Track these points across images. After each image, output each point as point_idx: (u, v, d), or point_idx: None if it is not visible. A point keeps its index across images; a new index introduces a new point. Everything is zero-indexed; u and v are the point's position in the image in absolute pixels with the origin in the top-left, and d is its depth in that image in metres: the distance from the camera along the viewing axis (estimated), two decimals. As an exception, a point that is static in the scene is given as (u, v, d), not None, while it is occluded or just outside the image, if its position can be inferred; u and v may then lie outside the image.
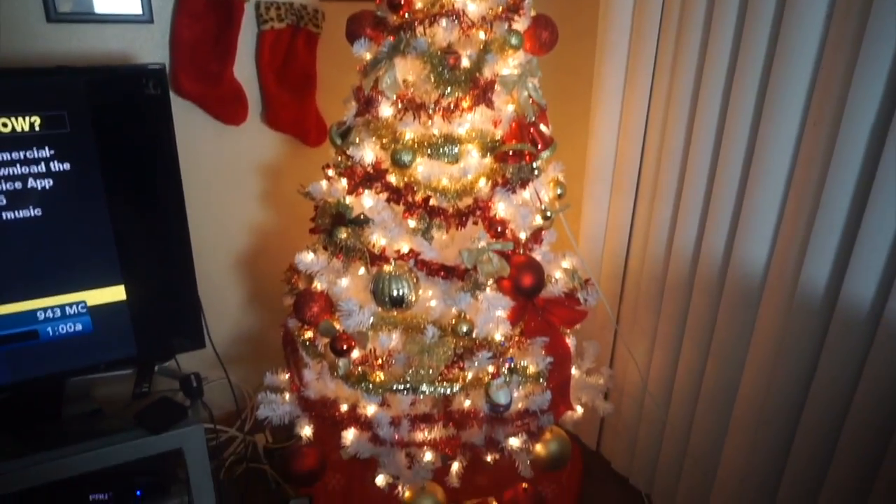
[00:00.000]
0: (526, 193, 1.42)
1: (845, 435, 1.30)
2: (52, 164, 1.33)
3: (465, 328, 1.32)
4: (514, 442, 1.44)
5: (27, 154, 1.31)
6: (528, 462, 1.50)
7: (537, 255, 1.42)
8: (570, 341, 1.55)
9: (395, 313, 1.36)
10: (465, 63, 1.29)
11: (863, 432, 1.27)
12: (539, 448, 1.50)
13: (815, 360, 1.34)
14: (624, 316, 1.84)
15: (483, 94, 1.29)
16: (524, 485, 1.56)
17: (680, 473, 1.74)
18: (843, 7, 1.19)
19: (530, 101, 1.34)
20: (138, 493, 1.52)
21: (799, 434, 1.39)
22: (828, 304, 1.29)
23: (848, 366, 1.27)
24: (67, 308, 1.42)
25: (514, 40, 1.30)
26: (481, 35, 1.30)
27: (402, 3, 1.29)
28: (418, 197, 1.34)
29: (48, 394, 1.52)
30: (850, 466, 1.31)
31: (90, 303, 1.44)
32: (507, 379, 1.37)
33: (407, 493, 1.46)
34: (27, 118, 1.29)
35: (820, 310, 1.30)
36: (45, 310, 1.40)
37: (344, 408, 1.47)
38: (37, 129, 1.30)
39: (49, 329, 1.42)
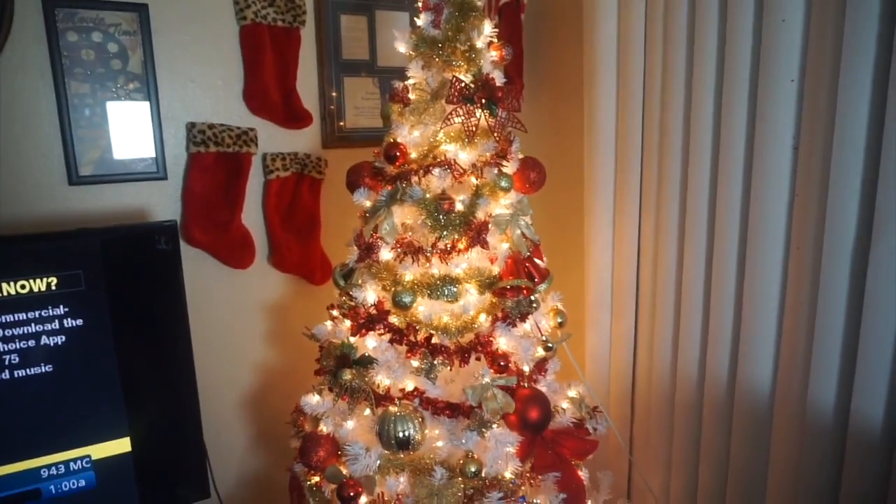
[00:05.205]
0: (526, 325, 1.44)
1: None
2: (65, 321, 1.37)
3: (473, 468, 1.29)
4: (533, 588, 1.37)
5: (42, 313, 1.35)
6: None
7: (542, 387, 1.42)
8: (584, 473, 1.50)
9: (402, 455, 1.34)
10: (459, 207, 1.36)
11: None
12: (560, 593, 1.41)
13: (836, 480, 1.30)
14: (637, 440, 1.80)
15: (478, 234, 1.35)
16: None
17: None
18: (806, 152, 1.28)
19: (523, 238, 1.40)
20: None
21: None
22: (839, 422, 1.27)
23: (872, 485, 1.23)
24: (72, 464, 1.41)
25: (503, 183, 1.38)
26: (473, 180, 1.38)
27: (398, 155, 1.38)
28: (420, 336, 1.36)
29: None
30: None
31: (95, 457, 1.43)
32: (521, 519, 1.33)
33: None
34: (45, 279, 1.35)
35: (833, 428, 1.28)
36: (49, 467, 1.39)
37: (353, 558, 1.41)
38: (53, 288, 1.35)
39: (52, 487, 1.40)
